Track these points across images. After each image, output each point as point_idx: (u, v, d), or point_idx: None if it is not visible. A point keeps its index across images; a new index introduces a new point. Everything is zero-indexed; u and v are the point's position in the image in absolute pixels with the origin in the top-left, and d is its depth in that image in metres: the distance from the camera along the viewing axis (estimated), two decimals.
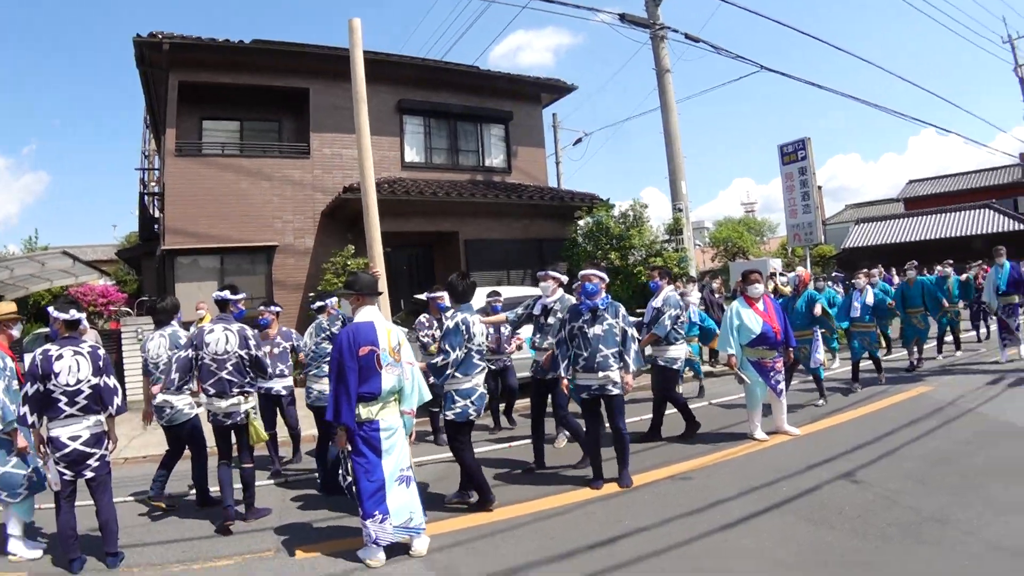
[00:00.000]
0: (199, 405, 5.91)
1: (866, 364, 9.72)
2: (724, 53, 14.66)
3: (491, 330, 7.73)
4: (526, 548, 4.43)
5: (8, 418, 4.75)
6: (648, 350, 7.66)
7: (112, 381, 4.72)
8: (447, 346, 5.25)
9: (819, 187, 22.56)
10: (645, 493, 5.47)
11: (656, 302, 7.50)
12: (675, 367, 7.43)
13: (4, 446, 4.82)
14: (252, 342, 5.50)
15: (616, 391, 5.69)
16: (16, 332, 5.28)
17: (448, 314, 5.51)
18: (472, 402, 5.30)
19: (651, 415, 7.53)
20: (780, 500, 4.98)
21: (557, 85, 18.19)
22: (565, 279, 6.81)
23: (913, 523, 4.35)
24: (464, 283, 5.54)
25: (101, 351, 4.79)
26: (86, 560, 4.60)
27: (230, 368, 5.40)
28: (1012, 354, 10.35)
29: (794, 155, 18.79)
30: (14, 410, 4.72)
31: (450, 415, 5.33)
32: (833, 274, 16.46)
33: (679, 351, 7.44)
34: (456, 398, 5.31)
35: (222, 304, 5.74)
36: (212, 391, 5.38)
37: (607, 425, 5.87)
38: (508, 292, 9.87)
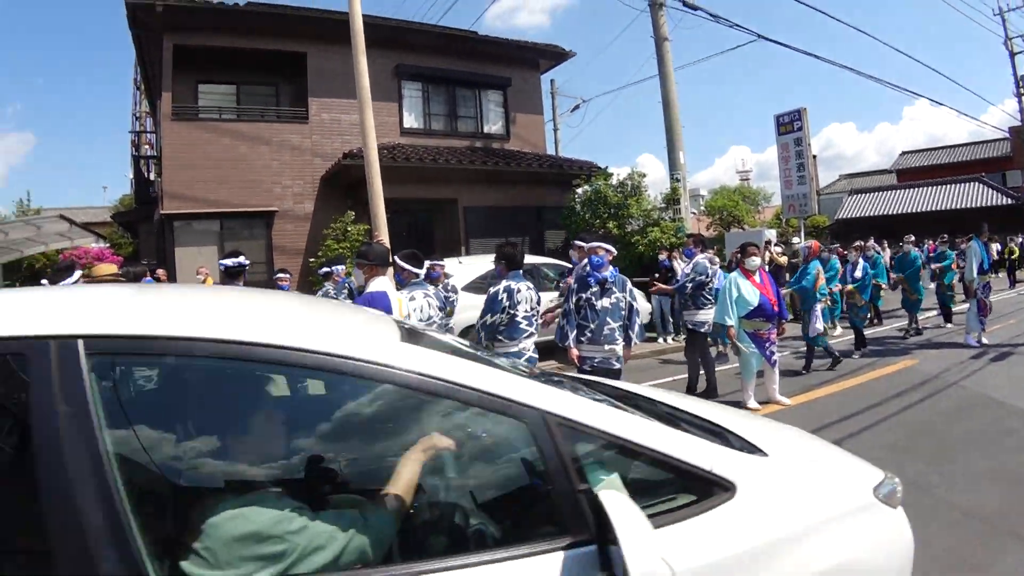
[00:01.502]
0: None
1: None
2: (722, 21, 14.68)
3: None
4: None
5: None
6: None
7: None
8: (484, 312, 5.51)
9: (814, 156, 22.61)
10: None
11: (687, 268, 7.91)
12: (702, 330, 7.73)
13: None
14: None
15: (619, 365, 5.75)
16: None
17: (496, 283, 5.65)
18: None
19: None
20: None
21: (555, 51, 18.10)
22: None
23: None
24: (512, 251, 5.66)
25: None
26: None
27: None
28: (977, 337, 10.03)
29: (790, 126, 18.75)
30: None
31: None
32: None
33: (707, 315, 7.69)
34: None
35: (234, 272, 5.60)
36: None
37: None
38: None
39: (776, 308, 7.10)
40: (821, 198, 34.98)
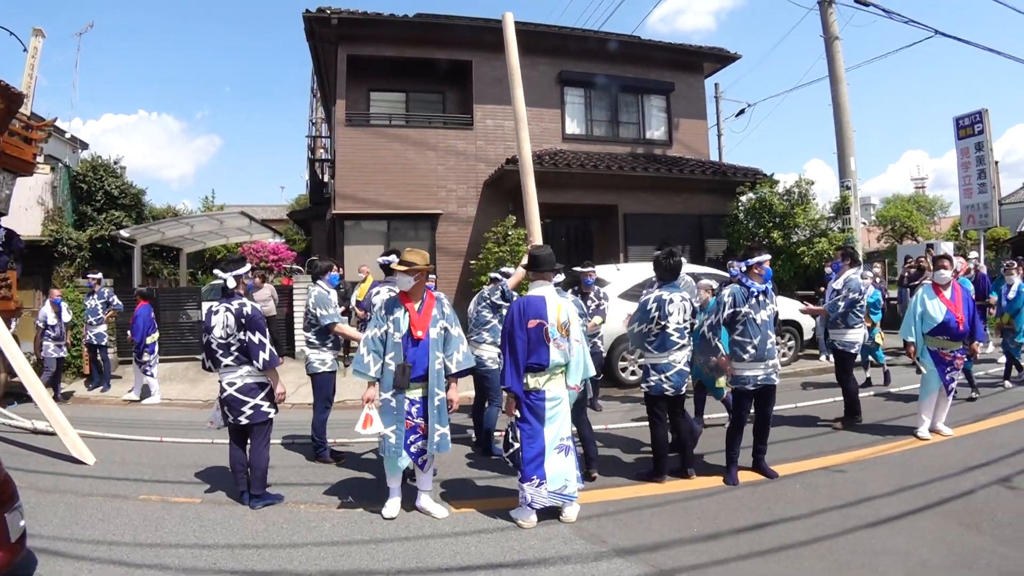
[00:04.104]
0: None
1: None
2: (896, 17, 13.84)
3: None
4: (672, 525, 4.54)
5: (356, 368, 4.72)
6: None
7: (256, 337, 4.92)
8: (633, 320, 5.60)
9: (996, 162, 20.67)
10: (796, 482, 5.40)
11: (836, 284, 7.39)
12: (852, 351, 7.31)
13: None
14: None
15: (777, 380, 5.46)
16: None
17: (646, 290, 5.70)
18: (667, 377, 5.39)
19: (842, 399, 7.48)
20: (933, 501, 4.85)
21: (720, 54, 17.61)
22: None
23: None
24: (670, 261, 5.54)
25: (247, 309, 4.99)
26: None
27: None
28: None
29: (970, 128, 17.34)
30: (367, 362, 4.65)
31: (644, 387, 5.55)
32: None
33: (857, 335, 7.32)
34: (651, 372, 5.47)
35: (387, 268, 5.89)
36: None
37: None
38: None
39: (963, 327, 6.49)
40: (1003, 208, 31.94)
